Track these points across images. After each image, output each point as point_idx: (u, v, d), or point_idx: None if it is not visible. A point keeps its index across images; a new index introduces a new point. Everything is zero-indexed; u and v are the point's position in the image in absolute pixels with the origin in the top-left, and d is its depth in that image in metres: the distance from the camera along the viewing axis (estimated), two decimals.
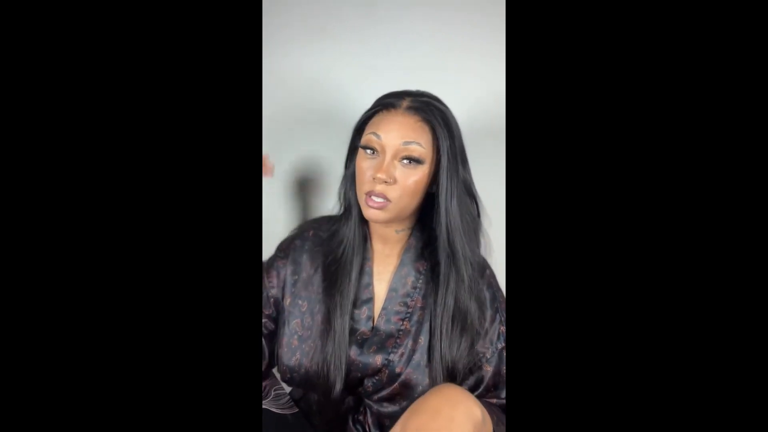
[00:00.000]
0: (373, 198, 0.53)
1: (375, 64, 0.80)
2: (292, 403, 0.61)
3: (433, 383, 0.55)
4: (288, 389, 0.62)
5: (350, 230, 0.59)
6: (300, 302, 0.59)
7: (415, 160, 0.52)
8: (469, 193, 0.56)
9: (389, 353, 0.56)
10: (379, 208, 0.53)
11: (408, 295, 0.58)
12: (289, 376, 0.58)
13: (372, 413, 0.57)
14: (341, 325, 0.56)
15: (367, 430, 0.57)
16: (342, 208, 0.61)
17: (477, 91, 0.78)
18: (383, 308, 0.58)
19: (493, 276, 0.61)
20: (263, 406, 0.58)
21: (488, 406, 0.51)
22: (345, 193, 0.61)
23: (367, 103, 0.57)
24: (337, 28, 0.80)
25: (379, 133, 0.53)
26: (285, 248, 0.63)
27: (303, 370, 0.57)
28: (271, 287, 0.61)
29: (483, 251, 0.59)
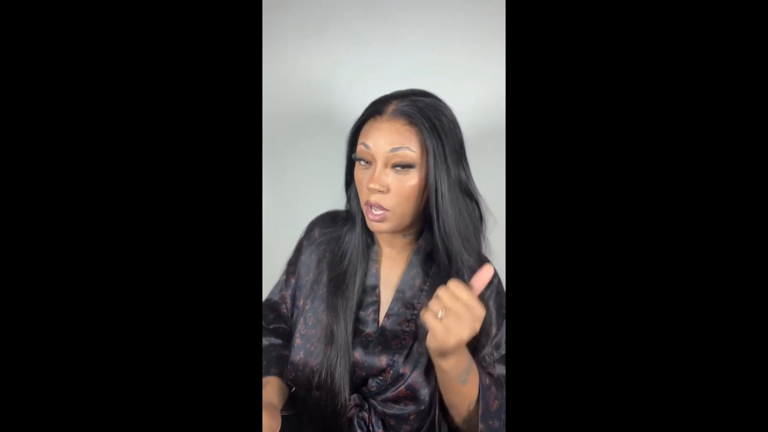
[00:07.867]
0: (373, 210, 0.53)
1: (375, 64, 0.80)
2: (292, 403, 0.61)
3: (436, 385, 0.55)
4: (292, 389, 0.62)
5: (355, 238, 0.60)
6: (307, 302, 0.60)
7: (406, 166, 0.52)
8: (466, 194, 0.55)
9: (394, 354, 0.55)
10: (380, 221, 0.53)
11: (415, 297, 0.58)
12: (293, 375, 0.58)
13: (376, 412, 0.57)
14: (344, 332, 0.56)
15: (371, 429, 0.57)
16: (348, 209, 0.62)
17: (477, 91, 0.78)
18: (389, 309, 0.58)
19: (500, 283, 0.61)
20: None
21: (482, 372, 0.53)
22: (350, 201, 0.62)
23: (367, 103, 0.56)
24: (337, 28, 0.79)
25: (367, 142, 0.52)
26: (297, 248, 0.65)
27: (307, 370, 0.57)
28: (288, 288, 0.64)
29: (485, 252, 0.59)
